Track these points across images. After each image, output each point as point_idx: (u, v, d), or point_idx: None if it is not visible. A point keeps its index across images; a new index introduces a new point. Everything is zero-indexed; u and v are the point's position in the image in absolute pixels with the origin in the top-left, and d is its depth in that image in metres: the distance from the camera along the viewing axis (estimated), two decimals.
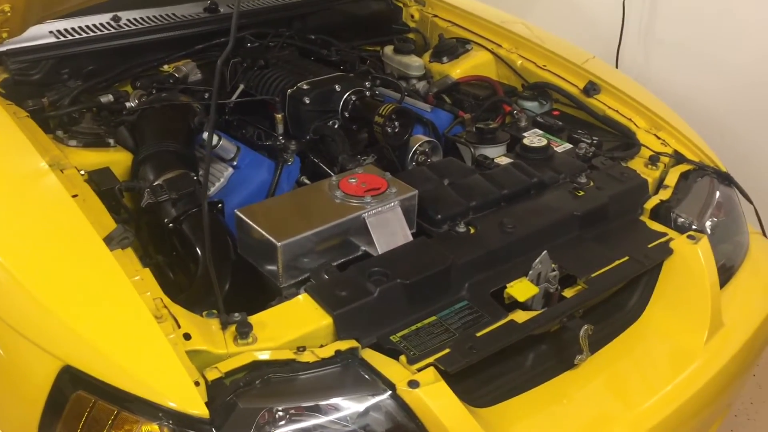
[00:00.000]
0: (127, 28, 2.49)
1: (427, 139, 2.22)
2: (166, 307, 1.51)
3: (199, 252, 1.79)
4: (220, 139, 2.03)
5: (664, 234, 2.00)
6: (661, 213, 2.09)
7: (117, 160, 2.06)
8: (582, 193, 2.02)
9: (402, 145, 2.16)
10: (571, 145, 2.30)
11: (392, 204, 1.78)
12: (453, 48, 2.82)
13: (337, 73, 2.27)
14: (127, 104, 2.26)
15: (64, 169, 1.88)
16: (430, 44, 3.00)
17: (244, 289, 1.77)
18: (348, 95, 2.18)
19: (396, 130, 2.12)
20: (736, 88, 3.57)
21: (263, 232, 1.64)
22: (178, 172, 1.91)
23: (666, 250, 1.95)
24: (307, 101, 2.14)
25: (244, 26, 2.63)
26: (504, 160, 2.15)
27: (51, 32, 2.41)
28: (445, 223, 1.85)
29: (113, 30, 2.47)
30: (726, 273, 2.12)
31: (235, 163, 2.07)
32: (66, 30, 2.42)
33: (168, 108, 2.15)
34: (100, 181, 1.94)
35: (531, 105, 2.61)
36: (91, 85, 2.34)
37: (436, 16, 3.03)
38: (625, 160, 2.26)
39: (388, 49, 2.81)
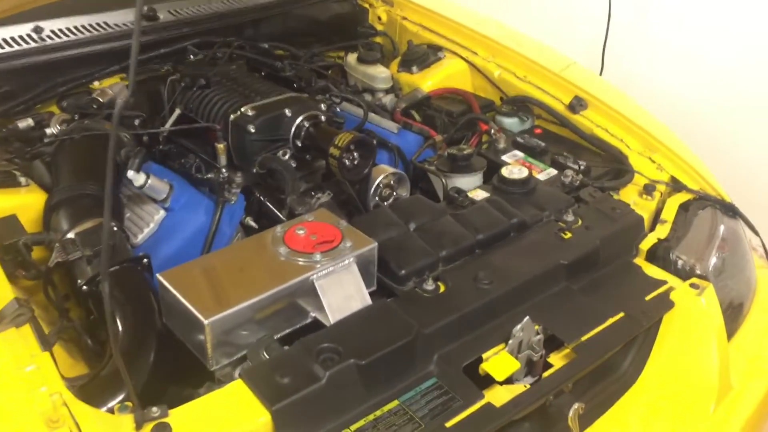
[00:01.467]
0: (50, 41, 2.18)
1: (392, 170, 1.93)
2: (65, 404, 1.22)
3: (118, 321, 1.50)
4: (147, 178, 1.74)
5: (664, 282, 1.74)
6: (659, 254, 1.83)
7: (29, 203, 1.76)
8: (569, 234, 1.75)
9: (362, 179, 1.88)
10: (555, 171, 2.03)
11: (346, 261, 1.50)
12: (423, 56, 2.53)
13: (288, 94, 1.98)
14: (48, 131, 1.96)
15: None
16: (399, 50, 2.72)
17: (175, 361, 1.49)
18: (300, 121, 1.89)
19: (355, 163, 1.84)
20: (727, 90, 3.32)
21: (188, 306, 1.36)
22: (94, 222, 1.61)
23: (666, 303, 1.69)
24: (252, 129, 1.85)
25: (186, 35, 2.33)
26: (480, 195, 1.87)
27: None
28: (411, 279, 1.58)
29: (35, 43, 2.16)
30: (733, 313, 1.88)
31: (167, 204, 1.78)
32: None
33: (89, 139, 1.85)
34: (2, 233, 1.65)
35: (510, 122, 2.34)
36: (7, 108, 2.04)
37: (405, 18, 2.74)
38: (616, 191, 2.00)
39: (351, 58, 2.52)
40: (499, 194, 1.87)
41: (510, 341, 1.49)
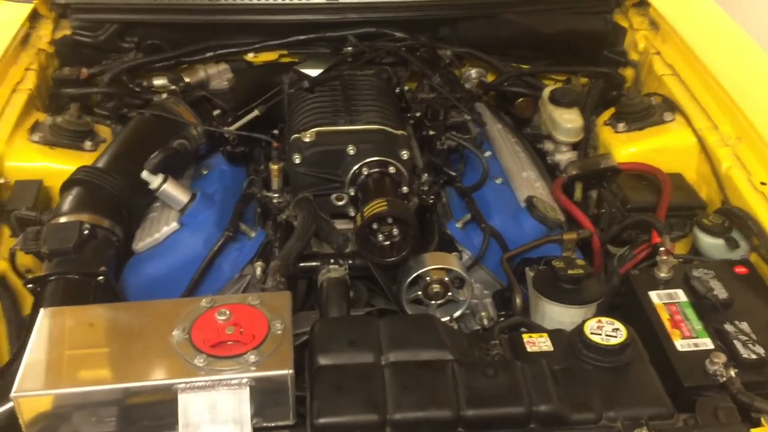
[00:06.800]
0: (220, 1, 2.04)
1: (454, 266, 1.41)
2: None
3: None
4: (163, 182, 1.51)
5: None
6: None
7: None
8: None
9: (399, 264, 1.41)
10: (708, 345, 1.32)
11: (234, 382, 1.11)
12: (643, 112, 1.85)
13: (373, 126, 1.56)
14: (155, 98, 1.84)
15: None
16: (640, 89, 2.04)
17: None
18: (361, 165, 1.48)
19: (385, 243, 1.37)
20: None
21: (21, 365, 1.12)
22: (71, 219, 1.44)
23: None
24: (297, 160, 1.50)
25: (358, 22, 2.01)
26: (538, 344, 1.28)
27: None
28: None
29: (203, 2, 2.04)
30: None
31: (182, 217, 1.54)
32: None
33: (151, 119, 1.68)
34: (15, 196, 1.58)
35: (711, 243, 1.60)
36: (144, 62, 1.97)
37: (658, 53, 2.03)
38: None
39: (546, 92, 1.94)
40: (569, 356, 1.26)
41: None
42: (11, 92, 1.80)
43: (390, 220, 1.36)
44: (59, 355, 1.14)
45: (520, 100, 2.01)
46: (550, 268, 1.44)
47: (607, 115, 1.91)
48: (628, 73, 2.13)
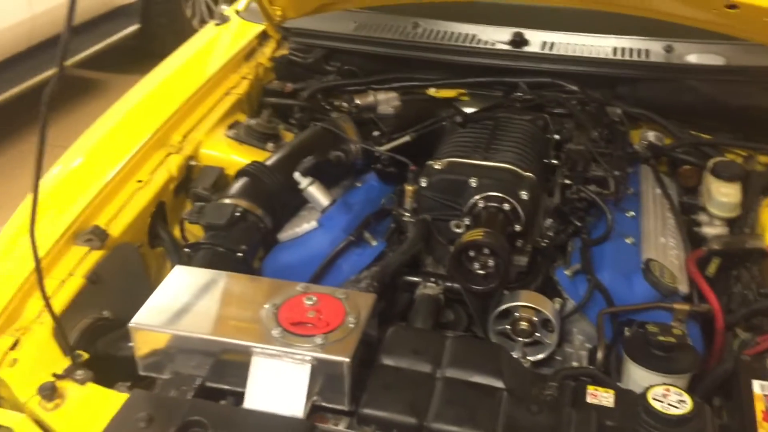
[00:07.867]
0: (412, 39, 2.24)
1: (547, 309, 1.44)
2: None
3: None
4: (310, 184, 1.72)
5: None
6: None
7: None
8: None
9: (487, 294, 1.47)
10: None
11: (299, 357, 1.26)
12: None
13: (502, 164, 1.63)
14: (333, 115, 2.08)
15: (174, 154, 1.88)
16: None
17: None
18: (479, 197, 1.57)
19: (480, 272, 1.44)
20: None
21: (146, 302, 1.37)
22: (231, 202, 1.69)
23: None
24: (424, 184, 1.62)
25: (532, 71, 2.09)
26: (602, 398, 1.27)
27: (354, 22, 2.33)
28: (369, 425, 1.24)
29: (398, 37, 2.25)
30: None
31: (320, 217, 1.73)
32: (365, 24, 2.31)
33: (321, 132, 1.90)
34: (200, 177, 1.88)
35: None
36: (338, 84, 2.23)
37: None
38: None
39: (711, 163, 1.87)
40: (627, 417, 1.24)
41: None
42: (224, 94, 2.13)
43: (486, 251, 1.43)
44: (174, 303, 1.37)
45: (685, 167, 1.95)
46: (644, 333, 1.41)
47: None
48: None
